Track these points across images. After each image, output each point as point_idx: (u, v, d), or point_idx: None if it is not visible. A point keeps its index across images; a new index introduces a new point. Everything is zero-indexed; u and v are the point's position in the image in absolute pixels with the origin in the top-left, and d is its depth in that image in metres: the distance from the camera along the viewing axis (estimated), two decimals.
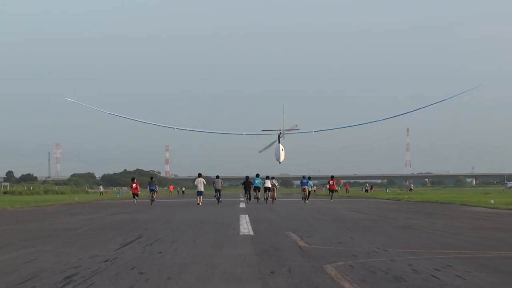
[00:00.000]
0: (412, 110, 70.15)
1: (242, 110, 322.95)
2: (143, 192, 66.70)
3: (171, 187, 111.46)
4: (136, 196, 46.30)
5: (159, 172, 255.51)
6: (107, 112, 67.20)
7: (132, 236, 16.17)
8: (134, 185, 46.62)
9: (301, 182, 53.00)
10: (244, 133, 67.71)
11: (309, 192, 51.04)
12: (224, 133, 74.04)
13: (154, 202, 45.71)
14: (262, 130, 64.62)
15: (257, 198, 49.06)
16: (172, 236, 16.24)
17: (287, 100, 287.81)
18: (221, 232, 17.62)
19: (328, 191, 56.00)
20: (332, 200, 51.14)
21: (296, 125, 64.35)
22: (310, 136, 68.57)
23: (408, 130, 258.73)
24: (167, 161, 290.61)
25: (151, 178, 49.40)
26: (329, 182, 55.63)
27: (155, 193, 48.59)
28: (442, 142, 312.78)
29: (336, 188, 58.21)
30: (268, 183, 49.10)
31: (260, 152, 63.57)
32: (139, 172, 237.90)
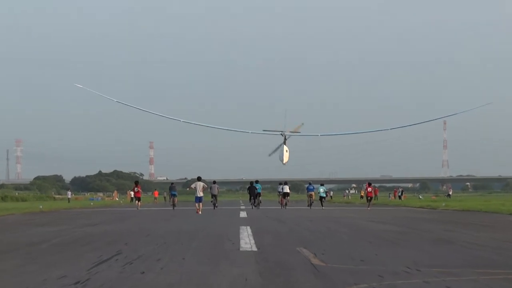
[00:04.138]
0: (410, 124, 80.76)
1: (242, 110, 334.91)
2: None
3: (156, 192, 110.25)
4: (138, 201, 53.35)
5: (141, 175, 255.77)
6: (115, 100, 71.75)
7: (109, 252, 16.18)
8: (136, 189, 53.91)
9: (307, 188, 61.43)
10: (250, 131, 72.71)
11: (322, 197, 58.97)
12: (230, 130, 79.97)
13: (175, 207, 54.91)
14: (263, 130, 69.60)
15: (256, 203, 57.37)
16: (157, 252, 16.25)
17: (290, 98, 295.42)
18: (218, 246, 17.64)
19: (366, 199, 61.31)
20: (369, 209, 54.06)
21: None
22: (320, 131, 74.24)
23: (445, 123, 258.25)
24: (151, 161, 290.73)
25: (172, 183, 59.69)
26: (367, 189, 61.71)
27: (176, 198, 58.22)
28: (487, 139, 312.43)
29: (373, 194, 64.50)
30: (286, 189, 58.76)
31: (269, 155, 69.95)
32: (117, 174, 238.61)
